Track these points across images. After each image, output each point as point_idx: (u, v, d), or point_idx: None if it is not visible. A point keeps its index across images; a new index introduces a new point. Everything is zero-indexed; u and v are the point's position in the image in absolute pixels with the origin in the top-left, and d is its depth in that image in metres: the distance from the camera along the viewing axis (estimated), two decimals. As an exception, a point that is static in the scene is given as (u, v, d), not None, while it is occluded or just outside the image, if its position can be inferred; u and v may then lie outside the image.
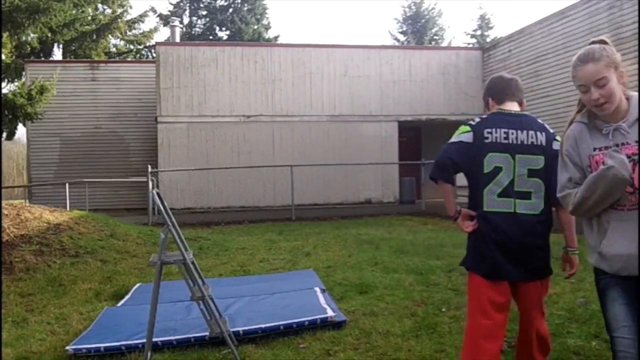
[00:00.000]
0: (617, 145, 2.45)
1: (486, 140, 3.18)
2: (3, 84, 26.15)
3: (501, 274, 3.17)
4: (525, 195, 3.14)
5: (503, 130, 3.21)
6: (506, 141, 3.19)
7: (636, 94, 2.54)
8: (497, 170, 3.15)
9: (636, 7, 12.91)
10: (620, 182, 2.35)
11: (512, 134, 3.21)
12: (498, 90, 3.48)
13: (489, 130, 3.20)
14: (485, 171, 3.18)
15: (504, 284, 3.21)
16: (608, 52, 2.51)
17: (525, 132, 3.21)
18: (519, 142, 3.18)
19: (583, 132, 2.58)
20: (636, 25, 12.90)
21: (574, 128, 2.62)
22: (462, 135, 3.23)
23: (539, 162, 3.15)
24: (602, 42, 2.57)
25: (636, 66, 12.97)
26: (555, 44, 16.01)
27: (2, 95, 13.42)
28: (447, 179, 3.29)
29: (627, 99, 2.53)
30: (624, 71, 2.53)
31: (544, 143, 3.17)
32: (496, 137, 3.19)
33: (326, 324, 4.77)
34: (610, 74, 2.46)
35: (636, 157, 2.37)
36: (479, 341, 3.14)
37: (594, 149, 2.52)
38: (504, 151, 3.17)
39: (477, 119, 3.31)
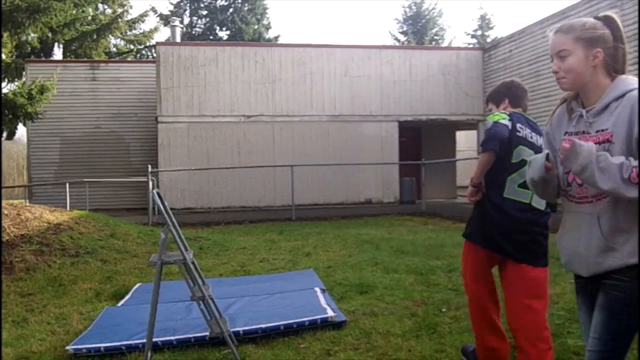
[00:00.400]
0: (577, 134, 2.29)
1: (518, 134, 3.48)
2: (3, 84, 26.17)
3: (496, 247, 3.54)
4: None
5: (528, 129, 3.54)
6: (531, 140, 3.52)
7: (634, 79, 2.25)
8: (522, 162, 3.37)
9: (637, 7, 12.91)
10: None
11: (534, 135, 3.54)
12: (517, 95, 3.78)
13: (521, 125, 3.51)
14: (513, 161, 3.46)
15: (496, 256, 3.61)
16: (587, 26, 2.33)
17: (540, 136, 3.52)
18: (538, 144, 3.50)
19: (562, 114, 2.45)
20: (637, 25, 12.89)
21: (559, 109, 2.49)
22: (504, 120, 3.46)
23: None
24: (604, 18, 2.37)
25: (636, 66, 12.98)
26: (556, 44, 15.99)
27: (3, 95, 13.42)
28: (497, 150, 3.44)
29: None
30: (600, 52, 2.26)
31: None
32: (525, 134, 3.51)
33: (326, 324, 4.76)
34: (575, 48, 2.29)
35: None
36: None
37: (564, 133, 2.38)
38: (530, 147, 3.48)
39: (508, 113, 3.54)
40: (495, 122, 3.44)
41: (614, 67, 2.27)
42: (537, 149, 3.40)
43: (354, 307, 5.46)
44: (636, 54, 13.09)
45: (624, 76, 2.26)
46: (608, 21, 2.32)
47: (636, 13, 12.85)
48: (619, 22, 2.29)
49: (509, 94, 3.78)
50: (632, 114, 2.11)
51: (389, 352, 4.19)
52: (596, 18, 2.36)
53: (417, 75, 19.67)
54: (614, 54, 2.28)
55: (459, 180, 23.15)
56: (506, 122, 3.45)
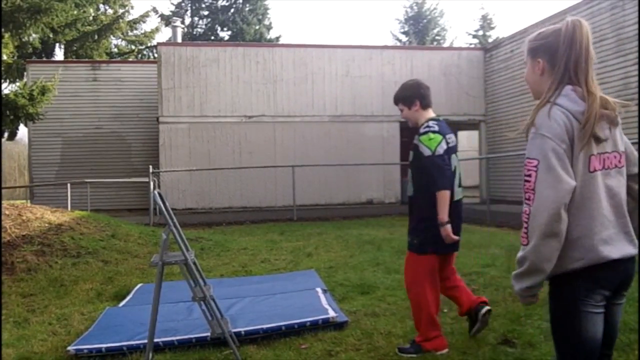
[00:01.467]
0: None
1: (449, 145, 3.94)
2: (5, 85, 26.20)
3: (454, 246, 4.05)
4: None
5: (449, 134, 3.99)
6: (453, 144, 4.01)
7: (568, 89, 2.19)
8: (455, 168, 3.99)
9: (637, 7, 12.90)
10: None
11: (452, 137, 4.03)
12: (426, 95, 4.12)
13: (448, 135, 3.96)
14: (452, 169, 3.93)
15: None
16: (539, 35, 2.32)
17: (453, 135, 4.07)
18: (454, 144, 4.05)
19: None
20: (637, 25, 12.88)
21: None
22: (441, 144, 3.86)
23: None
24: (564, 24, 2.25)
25: (636, 67, 12.98)
26: (557, 44, 15.97)
27: (4, 96, 13.43)
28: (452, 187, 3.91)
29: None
30: (541, 61, 2.28)
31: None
32: (451, 142, 3.98)
33: (328, 325, 4.76)
34: (528, 59, 2.36)
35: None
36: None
37: None
38: (455, 152, 4.04)
39: (435, 125, 3.94)
40: (435, 154, 3.82)
41: (568, 76, 2.21)
42: (455, 149, 4.03)
43: (355, 308, 5.45)
44: (636, 54, 13.12)
45: (568, 87, 2.20)
46: (564, 27, 2.24)
47: (636, 13, 12.85)
48: (574, 27, 2.21)
49: (418, 95, 4.07)
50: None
51: (390, 352, 4.19)
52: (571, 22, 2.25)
53: (419, 75, 19.58)
54: (556, 61, 2.23)
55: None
56: (443, 145, 3.86)
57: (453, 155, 4.00)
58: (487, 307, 4.21)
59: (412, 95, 4.11)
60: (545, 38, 2.29)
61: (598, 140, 2.14)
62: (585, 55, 2.17)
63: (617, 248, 2.16)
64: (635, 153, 2.35)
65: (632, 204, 2.34)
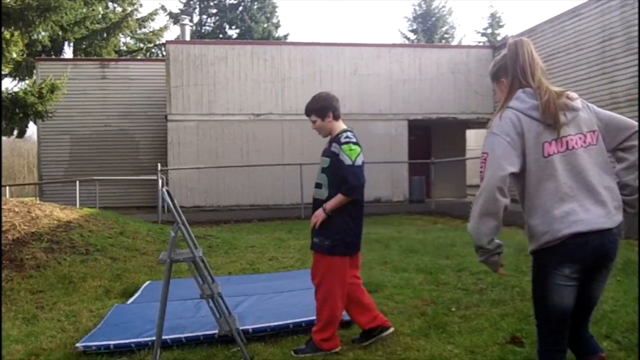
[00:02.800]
0: None
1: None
2: (14, 82, 26.35)
3: (358, 246, 4.31)
4: None
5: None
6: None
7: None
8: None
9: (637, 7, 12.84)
10: None
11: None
12: (337, 107, 4.35)
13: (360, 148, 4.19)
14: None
15: None
16: (494, 63, 2.82)
17: None
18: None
19: None
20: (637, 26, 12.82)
21: None
22: (360, 156, 4.12)
23: None
24: (507, 46, 2.71)
25: (637, 67, 12.91)
26: (567, 42, 15.92)
27: (14, 94, 13.48)
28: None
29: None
30: (504, 80, 2.72)
31: None
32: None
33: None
34: (494, 86, 2.85)
35: None
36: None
37: None
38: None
39: (354, 137, 4.21)
40: (354, 164, 4.03)
41: (517, 82, 2.65)
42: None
43: (363, 306, 5.44)
44: (636, 55, 13.05)
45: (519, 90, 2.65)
46: (508, 48, 2.70)
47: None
48: (516, 45, 2.66)
49: (331, 107, 4.25)
50: None
51: (397, 351, 4.18)
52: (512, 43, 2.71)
53: (427, 73, 19.62)
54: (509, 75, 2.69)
55: (469, 179, 23.05)
56: (361, 157, 4.12)
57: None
58: (388, 331, 4.40)
59: (326, 106, 4.27)
60: (499, 63, 2.77)
61: (552, 126, 2.52)
62: (529, 62, 2.61)
63: (584, 222, 2.46)
64: (621, 119, 2.68)
65: (628, 171, 2.65)
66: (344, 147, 4.10)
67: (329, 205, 4.07)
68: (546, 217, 2.52)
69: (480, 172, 2.58)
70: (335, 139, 4.22)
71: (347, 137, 4.18)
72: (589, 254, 2.50)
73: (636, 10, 13.27)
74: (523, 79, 2.61)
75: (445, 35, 41.53)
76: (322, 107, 4.27)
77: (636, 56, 13.22)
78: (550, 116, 2.51)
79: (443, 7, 41.63)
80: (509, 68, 2.66)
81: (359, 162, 4.07)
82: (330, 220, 4.11)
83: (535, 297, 2.69)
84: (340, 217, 4.12)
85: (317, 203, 4.25)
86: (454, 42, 40.98)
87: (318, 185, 4.27)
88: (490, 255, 2.62)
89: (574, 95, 2.61)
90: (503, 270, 2.75)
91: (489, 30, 40.89)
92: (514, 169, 2.51)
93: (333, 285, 4.18)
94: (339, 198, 4.06)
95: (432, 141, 21.86)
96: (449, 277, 6.66)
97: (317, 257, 4.24)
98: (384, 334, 4.34)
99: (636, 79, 13.12)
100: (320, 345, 4.18)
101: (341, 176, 4.06)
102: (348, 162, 4.04)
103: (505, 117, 2.58)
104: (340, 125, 4.35)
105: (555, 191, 2.50)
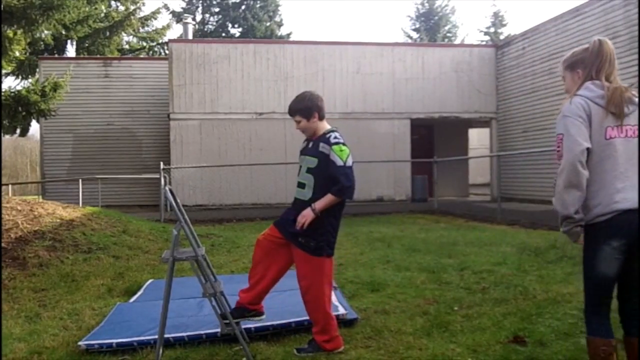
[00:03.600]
0: None
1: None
2: (17, 81, 26.39)
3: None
4: None
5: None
6: None
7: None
8: None
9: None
10: None
11: None
12: (322, 107, 4.26)
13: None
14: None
15: None
16: (573, 54, 3.15)
17: None
18: None
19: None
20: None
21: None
22: (350, 156, 4.11)
23: None
24: (592, 43, 3.03)
25: (637, 67, 12.87)
26: (570, 41, 15.88)
27: (17, 92, 13.49)
28: None
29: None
30: (580, 71, 3.06)
31: None
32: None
33: (338, 322, 4.75)
34: (565, 74, 3.20)
35: None
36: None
37: None
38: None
39: (341, 137, 4.19)
40: (345, 165, 4.03)
41: (590, 77, 3.01)
42: None
43: (365, 305, 5.45)
44: (632, 53, 13.01)
45: (587, 82, 3.01)
46: (592, 45, 3.03)
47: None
48: (600, 43, 2.99)
49: (316, 107, 4.18)
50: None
51: (400, 350, 4.18)
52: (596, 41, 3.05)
53: (430, 72, 19.60)
54: (586, 68, 3.04)
55: (472, 178, 23.06)
56: (351, 157, 4.11)
57: None
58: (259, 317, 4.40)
59: (311, 107, 4.20)
60: (579, 55, 3.10)
61: (616, 114, 2.90)
62: (610, 61, 2.97)
63: (629, 200, 2.86)
64: None
65: None
66: (335, 147, 4.07)
67: (319, 205, 4.03)
68: (602, 191, 2.89)
69: (558, 151, 2.91)
70: (323, 139, 4.15)
71: (336, 137, 4.15)
72: (634, 230, 2.86)
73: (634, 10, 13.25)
74: (596, 74, 2.97)
75: (448, 34, 41.49)
76: (306, 107, 4.21)
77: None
78: (615, 105, 2.89)
79: (446, 6, 41.61)
80: (588, 62, 3.00)
81: (349, 162, 4.06)
82: (314, 220, 4.07)
83: (585, 265, 3.01)
84: (326, 218, 4.11)
85: (299, 203, 4.20)
86: (457, 41, 40.95)
87: (301, 185, 4.22)
88: (574, 225, 2.92)
89: (637, 92, 3.02)
90: (582, 240, 2.99)
91: (492, 29, 40.83)
92: (588, 144, 2.85)
93: (322, 286, 4.19)
94: (329, 198, 4.03)
95: (435, 140, 21.85)
96: (451, 276, 6.66)
97: (303, 258, 4.17)
98: (256, 318, 4.35)
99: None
100: (323, 346, 4.18)
101: (332, 177, 4.02)
102: (340, 162, 4.01)
103: (576, 102, 2.92)
104: (325, 125, 4.29)
105: (612, 170, 2.88)
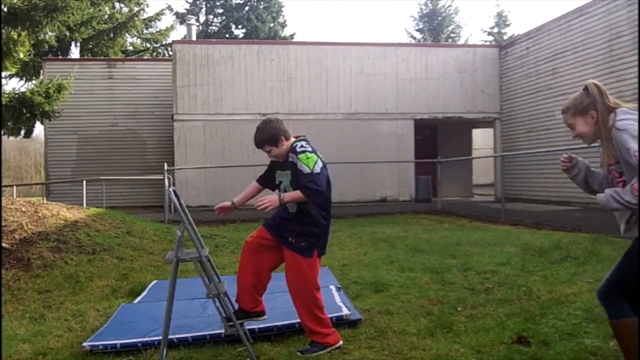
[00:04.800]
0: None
1: (323, 161, 4.25)
2: (21, 83, 26.46)
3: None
4: None
5: (317, 152, 4.28)
6: (323, 159, 4.29)
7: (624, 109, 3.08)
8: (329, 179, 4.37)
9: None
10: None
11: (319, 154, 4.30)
12: (286, 129, 4.36)
13: (319, 155, 4.26)
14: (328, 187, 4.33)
15: None
16: (577, 101, 3.22)
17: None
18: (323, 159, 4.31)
19: None
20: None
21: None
22: (318, 163, 4.15)
23: None
24: (589, 86, 3.21)
25: (637, 67, 12.84)
26: (574, 41, 15.87)
27: (21, 94, 13.53)
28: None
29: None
30: (594, 112, 3.13)
31: None
32: (322, 157, 4.29)
33: (341, 322, 4.75)
34: (575, 121, 3.22)
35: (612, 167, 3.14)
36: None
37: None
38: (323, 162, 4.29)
39: (309, 146, 4.26)
40: (313, 172, 4.08)
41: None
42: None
43: (369, 306, 5.44)
44: (636, 52, 12.98)
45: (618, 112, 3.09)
46: (590, 87, 3.22)
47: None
48: (596, 85, 3.21)
49: (281, 132, 4.29)
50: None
51: (403, 350, 4.17)
52: (585, 88, 3.25)
53: (433, 73, 19.60)
54: (598, 106, 3.16)
55: (475, 178, 23.03)
56: (320, 163, 4.16)
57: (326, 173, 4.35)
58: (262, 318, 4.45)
59: (275, 134, 4.28)
60: (585, 98, 3.20)
61: None
62: (606, 94, 3.18)
63: None
64: None
65: None
66: (301, 156, 4.14)
67: (287, 197, 4.12)
68: None
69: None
70: (292, 150, 4.25)
71: (302, 146, 4.24)
72: None
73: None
74: (605, 105, 3.13)
75: (452, 35, 41.49)
76: (271, 136, 4.28)
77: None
78: None
79: (449, 6, 41.63)
80: (596, 100, 3.15)
81: (317, 169, 4.11)
82: (305, 221, 4.20)
83: (630, 269, 3.12)
84: (312, 219, 4.23)
85: (282, 216, 4.34)
86: (461, 42, 40.93)
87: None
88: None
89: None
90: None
91: (496, 30, 40.83)
92: None
93: (311, 286, 4.28)
94: (297, 194, 4.12)
95: (439, 140, 21.84)
96: (455, 277, 6.65)
97: (294, 258, 4.25)
98: (259, 319, 4.42)
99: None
100: (324, 342, 4.21)
101: (301, 185, 4.10)
102: (307, 170, 4.09)
103: (634, 120, 3.00)
104: (291, 139, 4.38)
105: None
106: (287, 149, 4.31)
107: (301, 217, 4.23)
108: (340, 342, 4.29)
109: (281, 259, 4.36)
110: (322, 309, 4.33)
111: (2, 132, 14.79)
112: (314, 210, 4.22)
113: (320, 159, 4.23)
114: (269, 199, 4.10)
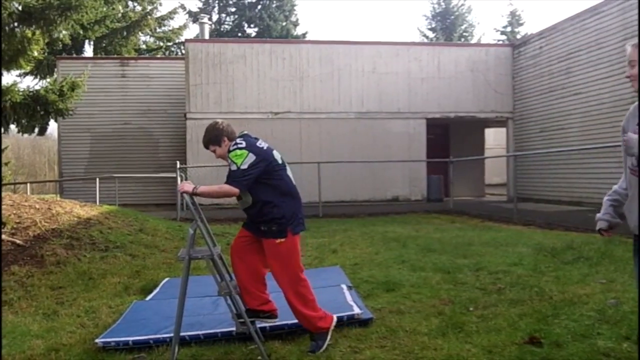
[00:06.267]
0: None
1: (261, 145, 4.39)
2: (35, 81, 26.62)
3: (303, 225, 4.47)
4: None
5: (259, 142, 4.44)
6: (267, 147, 4.46)
7: None
8: (283, 161, 4.47)
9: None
10: None
11: (262, 142, 4.48)
12: (231, 131, 4.45)
13: (258, 141, 4.43)
14: (280, 162, 4.43)
15: None
16: None
17: (262, 140, 4.56)
18: (269, 147, 4.50)
19: (635, 110, 2.83)
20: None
21: (633, 106, 2.87)
22: (249, 157, 4.18)
23: None
24: None
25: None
26: (588, 40, 15.77)
27: (35, 92, 13.60)
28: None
29: None
30: None
31: None
32: (264, 145, 4.44)
33: (353, 321, 4.76)
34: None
35: None
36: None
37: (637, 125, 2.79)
38: (272, 150, 4.45)
39: (242, 141, 4.30)
40: (240, 168, 4.14)
41: None
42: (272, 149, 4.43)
43: (380, 305, 5.44)
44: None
45: None
46: None
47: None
48: None
49: (225, 133, 4.39)
50: None
51: (415, 350, 4.17)
52: None
53: (446, 72, 19.54)
54: None
55: (488, 178, 22.94)
56: (249, 158, 4.16)
57: (274, 151, 4.47)
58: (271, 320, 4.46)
59: (218, 134, 4.38)
60: None
61: None
62: None
63: None
64: None
65: None
66: (231, 154, 4.24)
67: (201, 188, 4.13)
68: None
69: None
70: (228, 149, 4.35)
71: (235, 143, 4.30)
72: None
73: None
74: None
75: (465, 34, 41.32)
76: (215, 136, 4.39)
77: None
78: None
79: (462, 5, 41.45)
80: None
81: (245, 165, 4.15)
82: (266, 209, 4.24)
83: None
84: (272, 204, 4.25)
85: (248, 212, 4.36)
86: (473, 41, 40.76)
87: (238, 197, 4.32)
88: None
89: None
90: None
91: (509, 29, 40.61)
92: None
93: (293, 265, 4.32)
94: (213, 188, 4.21)
95: (451, 140, 21.78)
96: (466, 277, 6.63)
97: (272, 244, 4.28)
98: (269, 320, 4.42)
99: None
100: (320, 327, 4.29)
101: (226, 180, 4.20)
102: (233, 167, 4.18)
103: None
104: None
105: None
106: (227, 149, 4.39)
107: (262, 207, 4.26)
108: (335, 319, 4.40)
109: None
110: (309, 289, 4.37)
111: (17, 129, 14.85)
112: (269, 197, 4.25)
113: (260, 148, 4.33)
114: (184, 184, 4.19)
